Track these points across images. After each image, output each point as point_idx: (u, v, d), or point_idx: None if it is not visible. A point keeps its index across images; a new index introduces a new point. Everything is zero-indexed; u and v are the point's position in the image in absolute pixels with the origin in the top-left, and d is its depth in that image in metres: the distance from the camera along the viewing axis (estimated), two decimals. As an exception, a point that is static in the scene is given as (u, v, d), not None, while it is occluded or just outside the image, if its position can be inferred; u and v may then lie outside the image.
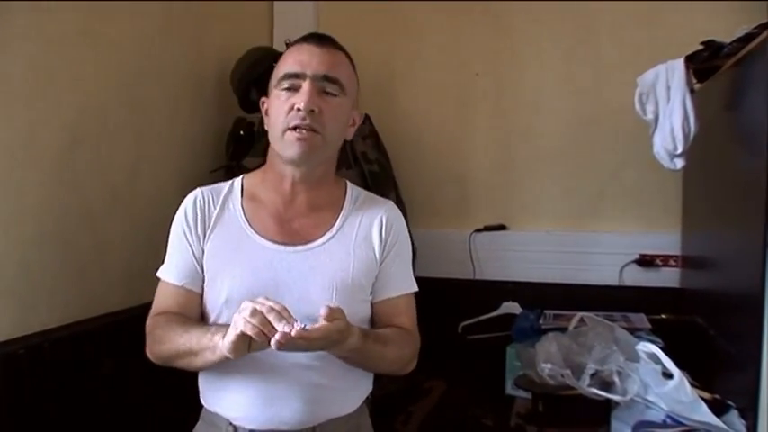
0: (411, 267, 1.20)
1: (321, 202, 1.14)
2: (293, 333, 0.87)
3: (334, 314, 0.92)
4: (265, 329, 0.89)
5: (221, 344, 0.94)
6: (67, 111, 1.46)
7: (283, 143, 1.08)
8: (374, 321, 1.16)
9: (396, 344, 1.10)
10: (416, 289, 1.19)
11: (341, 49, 1.14)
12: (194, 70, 1.95)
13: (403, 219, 1.21)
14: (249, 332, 0.89)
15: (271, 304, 0.91)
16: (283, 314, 0.90)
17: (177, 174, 1.85)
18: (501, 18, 2.23)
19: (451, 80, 2.29)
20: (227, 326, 0.96)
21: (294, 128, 1.05)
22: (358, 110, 1.19)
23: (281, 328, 0.88)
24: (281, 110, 1.07)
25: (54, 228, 1.43)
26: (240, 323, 0.90)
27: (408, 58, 2.34)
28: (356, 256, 1.11)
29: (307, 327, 0.89)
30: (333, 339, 0.94)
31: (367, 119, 2.16)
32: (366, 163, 2.04)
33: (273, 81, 1.11)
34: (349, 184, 1.22)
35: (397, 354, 1.11)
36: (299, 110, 1.05)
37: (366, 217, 1.15)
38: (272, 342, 0.88)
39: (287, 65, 1.09)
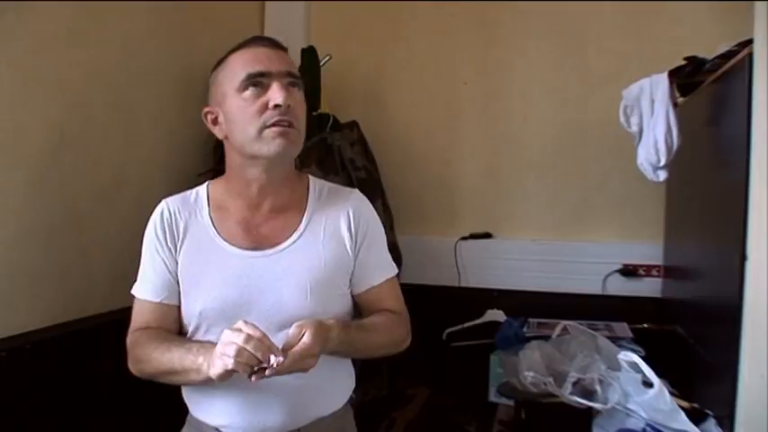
0: (387, 250, 1.20)
1: (286, 203, 1.13)
2: (267, 372, 0.92)
3: (295, 342, 0.94)
4: (253, 363, 0.91)
5: (205, 369, 0.95)
6: (54, 111, 1.45)
7: (262, 142, 1.05)
8: (361, 311, 1.16)
9: (383, 328, 1.12)
10: (396, 271, 1.20)
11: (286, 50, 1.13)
12: (183, 71, 1.94)
13: (369, 204, 1.20)
14: (240, 370, 0.91)
15: (249, 332, 0.91)
16: (265, 342, 0.91)
17: (164, 175, 1.84)
18: (490, 28, 2.25)
19: (440, 88, 2.31)
20: (208, 345, 0.97)
21: (273, 124, 1.04)
22: None
23: (271, 361, 0.91)
24: (251, 110, 1.04)
25: (37, 228, 1.41)
26: (230, 363, 0.90)
27: (398, 64, 2.36)
28: (326, 252, 1.10)
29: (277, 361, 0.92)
30: (308, 362, 0.95)
31: (355, 125, 2.17)
32: (353, 169, 2.04)
33: (229, 85, 1.06)
34: (311, 178, 1.20)
35: (386, 337, 1.13)
36: (276, 106, 1.03)
37: (332, 211, 1.14)
38: (267, 372, 0.91)
39: (245, 66, 1.05)
